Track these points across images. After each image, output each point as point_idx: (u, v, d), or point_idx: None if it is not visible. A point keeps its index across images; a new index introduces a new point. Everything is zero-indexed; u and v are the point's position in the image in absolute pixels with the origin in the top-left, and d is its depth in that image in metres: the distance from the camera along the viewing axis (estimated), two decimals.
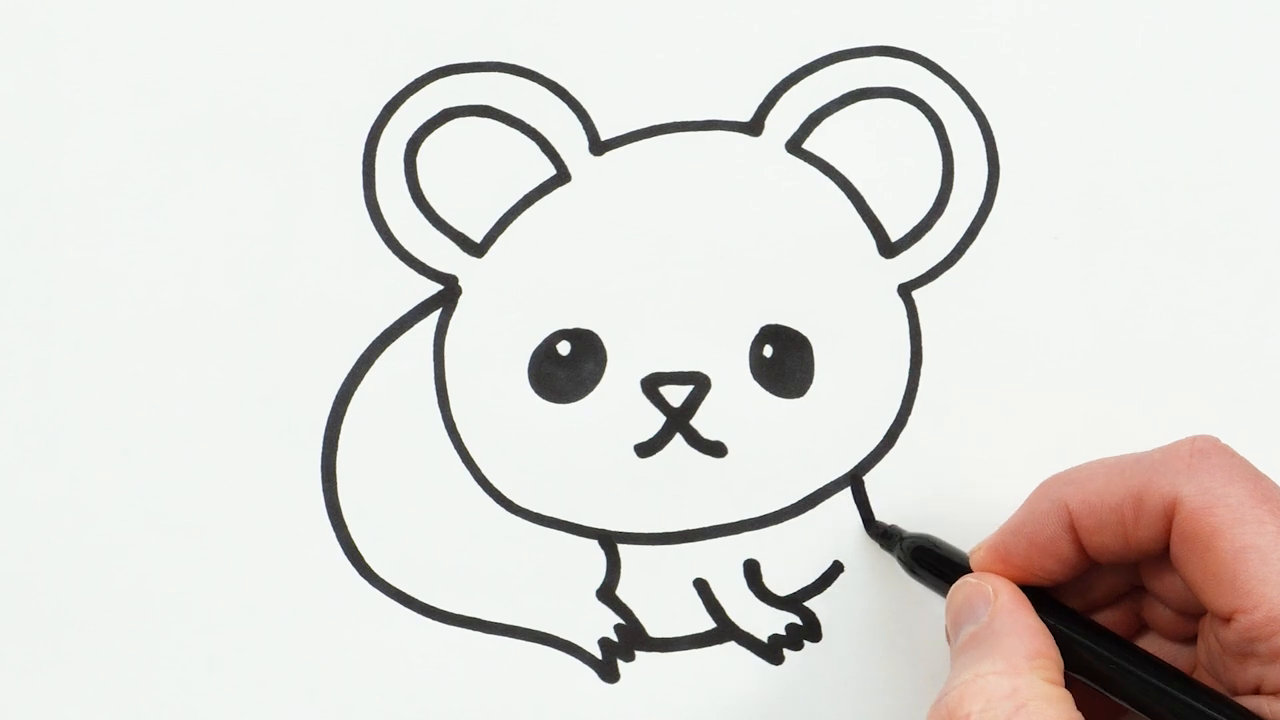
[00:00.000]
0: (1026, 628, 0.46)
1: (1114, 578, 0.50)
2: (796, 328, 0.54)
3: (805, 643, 0.54)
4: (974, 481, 0.54)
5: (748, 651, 0.54)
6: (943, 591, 0.50)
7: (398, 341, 0.54)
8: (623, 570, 0.54)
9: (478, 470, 0.54)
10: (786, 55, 0.54)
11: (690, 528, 0.54)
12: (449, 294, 0.54)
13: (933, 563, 0.51)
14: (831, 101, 0.54)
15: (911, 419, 0.54)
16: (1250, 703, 0.46)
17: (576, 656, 0.54)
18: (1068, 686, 0.46)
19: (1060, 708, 0.44)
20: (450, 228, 0.54)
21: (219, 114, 0.54)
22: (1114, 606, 0.51)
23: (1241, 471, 0.46)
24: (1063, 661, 0.46)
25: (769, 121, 0.54)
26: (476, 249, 0.54)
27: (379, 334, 0.54)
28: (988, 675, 0.45)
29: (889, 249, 0.54)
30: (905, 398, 0.54)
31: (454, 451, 0.54)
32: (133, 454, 0.53)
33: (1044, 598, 0.48)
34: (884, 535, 0.53)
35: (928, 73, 0.54)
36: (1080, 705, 0.46)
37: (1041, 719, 0.44)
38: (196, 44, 0.54)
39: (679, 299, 0.54)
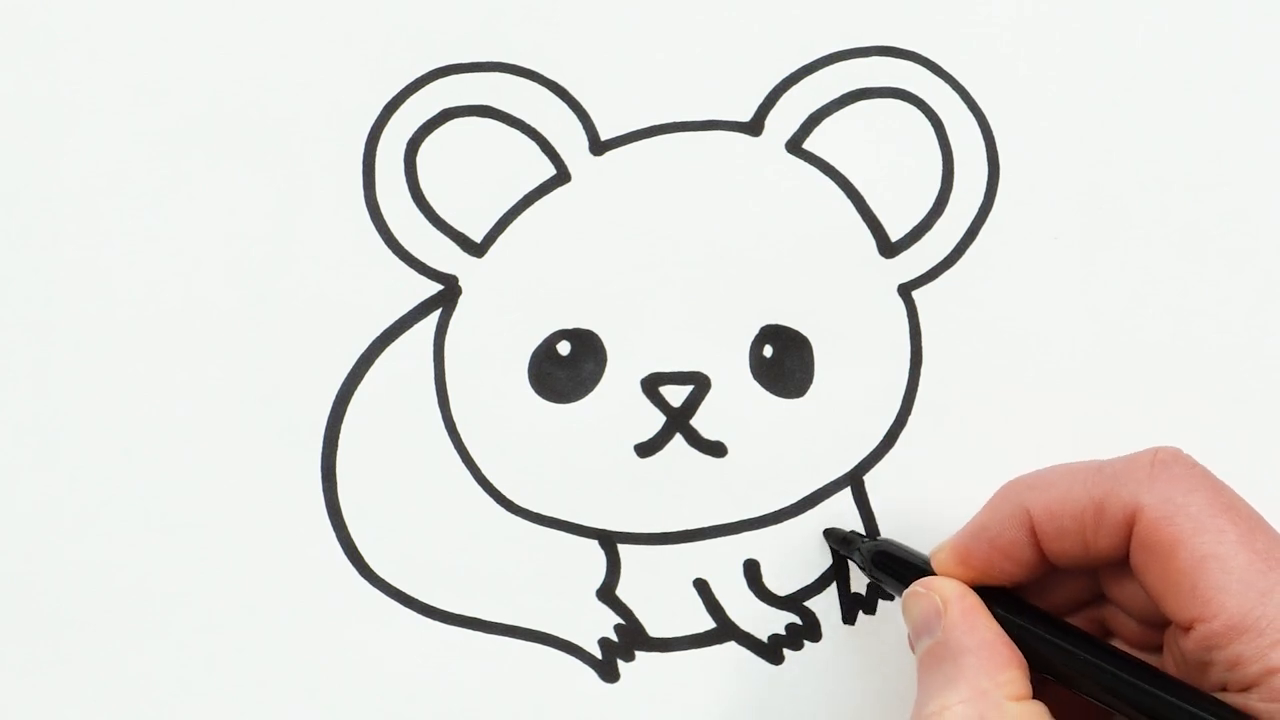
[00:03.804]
0: (984, 643, 0.46)
1: (1076, 585, 0.50)
2: (796, 328, 0.54)
3: (805, 643, 0.54)
4: (974, 481, 0.54)
5: (748, 651, 0.54)
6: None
7: (398, 341, 0.54)
8: (623, 570, 0.54)
9: (478, 470, 0.54)
10: (786, 55, 0.54)
11: (690, 528, 0.54)
12: (449, 294, 0.54)
13: (893, 566, 0.51)
14: (831, 101, 0.54)
15: (911, 419, 0.54)
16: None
17: (576, 656, 0.54)
18: (1039, 686, 0.46)
19: None
20: (450, 228, 0.54)
21: (219, 114, 0.54)
22: (1077, 613, 0.51)
23: (1202, 481, 0.46)
24: (1027, 664, 0.46)
25: (769, 121, 0.54)
26: (476, 249, 0.54)
27: (379, 334, 0.54)
28: (954, 706, 0.45)
29: (889, 249, 0.54)
30: (905, 398, 0.54)
31: (454, 451, 0.54)
32: (133, 454, 0.53)
33: (1006, 596, 0.48)
34: (843, 541, 0.53)
35: (928, 73, 0.54)
36: (1058, 703, 0.46)
37: None
38: (196, 44, 0.54)
39: (679, 299, 0.54)
